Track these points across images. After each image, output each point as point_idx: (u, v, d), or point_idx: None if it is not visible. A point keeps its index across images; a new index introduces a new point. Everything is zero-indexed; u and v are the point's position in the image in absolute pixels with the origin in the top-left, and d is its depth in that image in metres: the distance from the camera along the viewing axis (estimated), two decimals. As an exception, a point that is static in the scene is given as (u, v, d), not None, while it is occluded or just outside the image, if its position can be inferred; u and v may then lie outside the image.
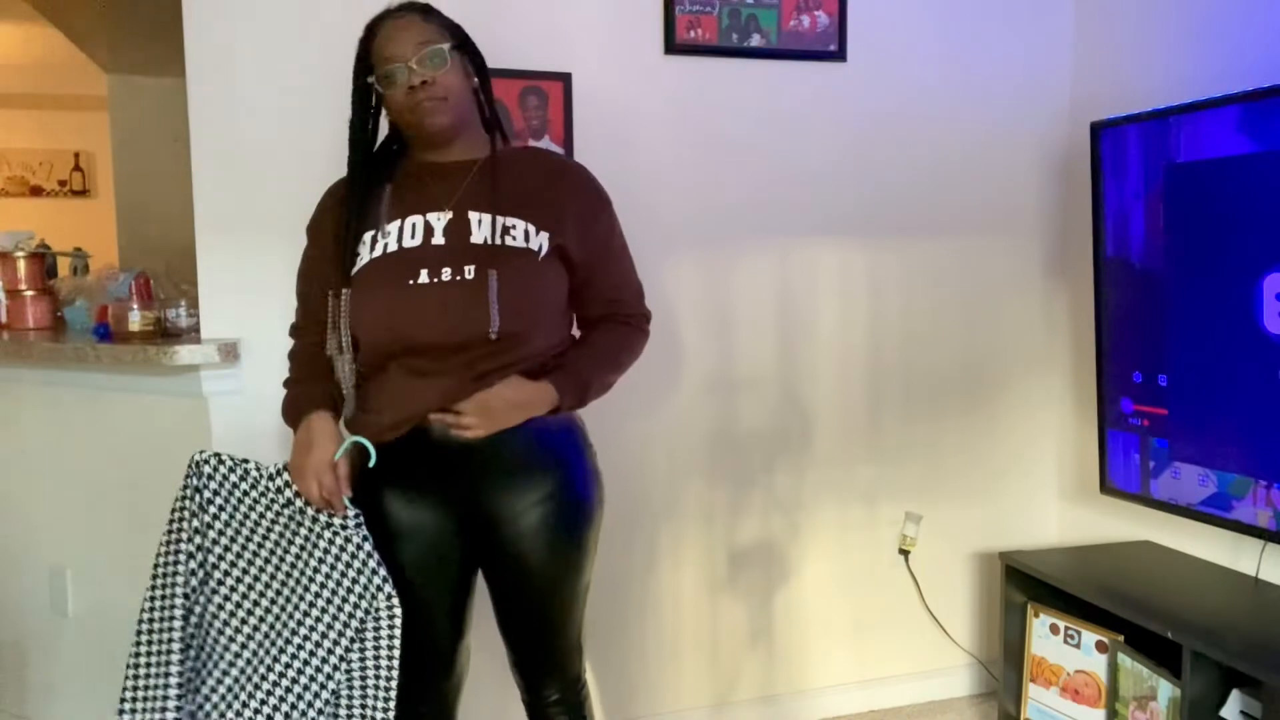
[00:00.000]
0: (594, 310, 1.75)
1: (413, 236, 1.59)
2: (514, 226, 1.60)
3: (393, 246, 1.59)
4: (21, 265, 2.63)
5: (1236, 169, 2.04)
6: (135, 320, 2.24)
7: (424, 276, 1.55)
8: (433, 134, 1.61)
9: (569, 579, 1.69)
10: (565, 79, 2.34)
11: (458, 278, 1.55)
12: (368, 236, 1.62)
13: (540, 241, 1.60)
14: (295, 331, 1.75)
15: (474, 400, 1.57)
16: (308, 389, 1.67)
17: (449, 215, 1.60)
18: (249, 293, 2.18)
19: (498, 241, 1.57)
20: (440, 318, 1.55)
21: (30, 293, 2.62)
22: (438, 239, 1.58)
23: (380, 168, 1.67)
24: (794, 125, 2.54)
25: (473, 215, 1.60)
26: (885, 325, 2.67)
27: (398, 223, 1.61)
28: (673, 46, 2.41)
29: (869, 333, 2.65)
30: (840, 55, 2.54)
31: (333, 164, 2.12)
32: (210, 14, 2.12)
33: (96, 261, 4.12)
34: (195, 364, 2.10)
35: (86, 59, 4.72)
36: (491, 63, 2.26)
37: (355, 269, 1.60)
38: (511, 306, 1.55)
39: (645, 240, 2.45)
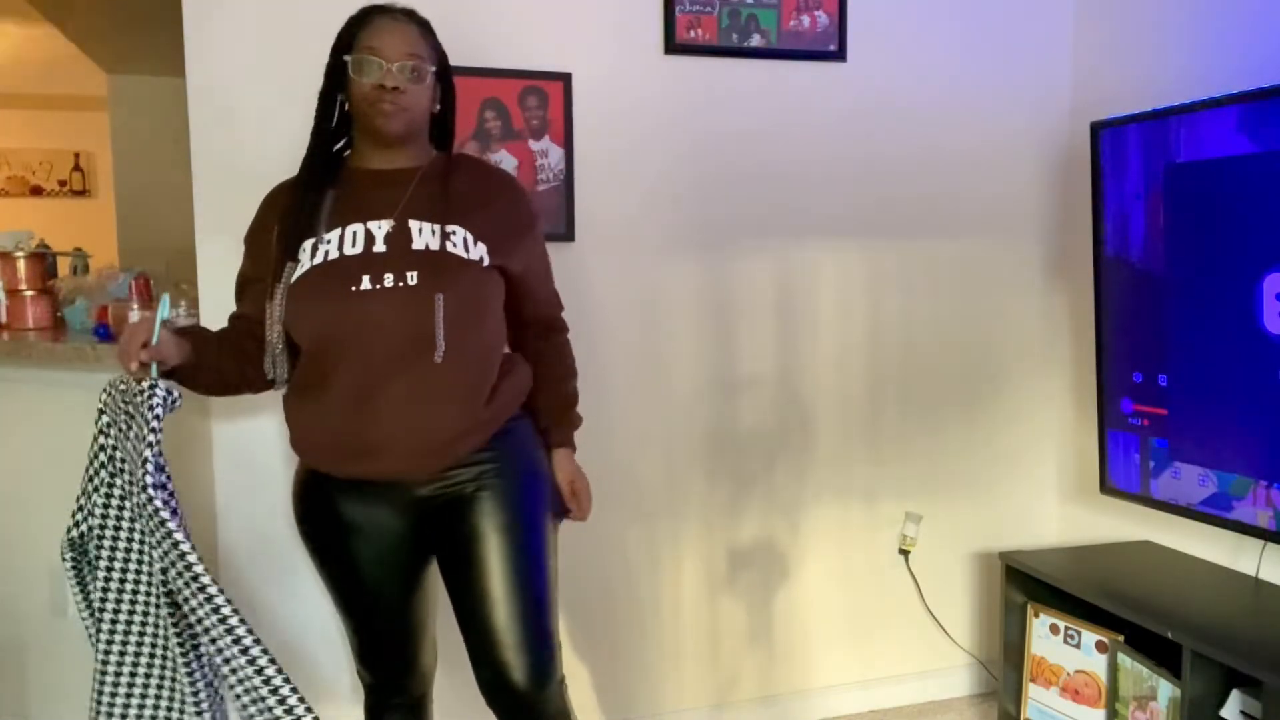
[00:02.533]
0: (532, 318, 1.80)
1: (354, 245, 1.59)
2: (454, 233, 1.61)
3: (334, 254, 1.59)
4: (21, 265, 2.63)
5: (1236, 169, 2.04)
6: (135, 320, 2.23)
7: (366, 283, 1.56)
8: (383, 135, 1.61)
9: (533, 539, 1.68)
10: (565, 79, 2.34)
11: (400, 284, 1.56)
12: (308, 244, 1.61)
13: (480, 252, 1.62)
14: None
15: (581, 505, 1.82)
16: (206, 332, 1.71)
17: (390, 224, 1.61)
18: (249, 293, 2.18)
19: (437, 247, 1.59)
20: (383, 324, 1.56)
21: (30, 293, 2.62)
22: (379, 246, 1.59)
23: (326, 173, 1.67)
24: (794, 125, 2.54)
25: (414, 224, 1.61)
26: (885, 325, 2.67)
27: (338, 231, 1.61)
28: (673, 46, 2.41)
29: (869, 332, 2.65)
30: (840, 55, 2.54)
31: (333, 164, 2.14)
32: (209, 14, 2.12)
33: (96, 261, 4.12)
34: (195, 364, 2.09)
35: (87, 59, 4.72)
36: (492, 63, 2.29)
37: (295, 276, 1.59)
38: (456, 323, 1.57)
39: (645, 240, 2.46)
